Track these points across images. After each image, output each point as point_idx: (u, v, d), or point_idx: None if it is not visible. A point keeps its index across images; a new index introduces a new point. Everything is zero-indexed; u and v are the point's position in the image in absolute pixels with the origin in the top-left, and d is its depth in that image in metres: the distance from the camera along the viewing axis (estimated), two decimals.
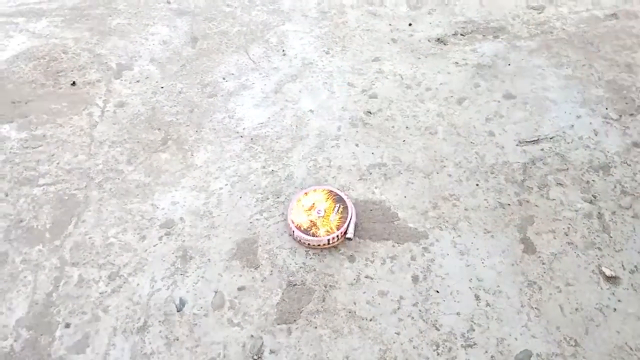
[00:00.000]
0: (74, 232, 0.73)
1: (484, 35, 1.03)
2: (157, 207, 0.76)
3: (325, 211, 0.73)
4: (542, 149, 0.84)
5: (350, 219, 0.72)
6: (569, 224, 0.74)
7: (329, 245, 0.71)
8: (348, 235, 0.71)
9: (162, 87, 0.92)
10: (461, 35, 1.04)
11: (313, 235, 0.70)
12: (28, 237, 0.73)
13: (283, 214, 0.76)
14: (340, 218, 0.72)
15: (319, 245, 0.71)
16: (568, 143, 0.85)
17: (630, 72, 0.98)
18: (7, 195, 0.77)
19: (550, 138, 0.86)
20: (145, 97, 0.90)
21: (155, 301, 0.67)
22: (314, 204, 0.74)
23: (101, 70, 0.94)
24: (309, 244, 0.71)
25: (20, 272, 0.70)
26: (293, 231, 0.71)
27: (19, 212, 0.75)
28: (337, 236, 0.70)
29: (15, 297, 0.67)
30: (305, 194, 0.75)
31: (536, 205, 0.76)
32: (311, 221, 0.72)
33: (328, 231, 0.71)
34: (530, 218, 0.74)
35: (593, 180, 0.79)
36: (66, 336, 0.64)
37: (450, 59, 0.98)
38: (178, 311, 0.66)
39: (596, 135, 0.87)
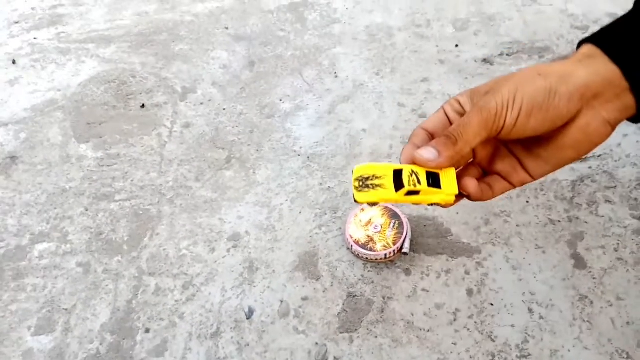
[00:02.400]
0: (149, 244, 0.79)
1: (529, 55, 1.06)
2: (225, 221, 0.82)
3: (381, 227, 0.77)
4: (590, 167, 0.86)
5: (406, 234, 0.76)
6: (618, 240, 0.76)
7: (386, 260, 0.75)
8: (404, 250, 0.75)
9: (224, 109, 0.98)
10: (507, 55, 1.07)
11: (371, 249, 0.75)
12: (108, 249, 0.79)
13: (340, 228, 0.80)
14: (396, 233, 0.76)
15: (376, 259, 0.75)
16: (615, 161, 0.87)
17: None
18: (87, 210, 0.84)
19: (598, 156, 0.88)
20: (209, 118, 0.97)
21: (226, 309, 0.72)
22: (370, 219, 0.78)
23: (167, 93, 1.01)
24: (366, 258, 0.75)
25: (102, 281, 0.76)
26: (351, 245, 0.76)
27: (98, 225, 0.82)
28: (394, 251, 0.75)
29: (99, 303, 0.74)
30: (362, 209, 0.80)
31: (586, 222, 0.78)
32: (368, 236, 0.76)
33: (385, 246, 0.75)
34: (580, 234, 0.77)
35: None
36: (146, 341, 0.70)
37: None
38: (247, 319, 0.71)
39: None
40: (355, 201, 0.44)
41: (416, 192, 0.43)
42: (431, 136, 0.47)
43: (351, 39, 1.12)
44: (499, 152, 0.48)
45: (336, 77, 1.04)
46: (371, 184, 0.44)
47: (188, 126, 0.95)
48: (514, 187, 0.48)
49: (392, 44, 1.11)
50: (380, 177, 0.44)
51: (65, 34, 1.15)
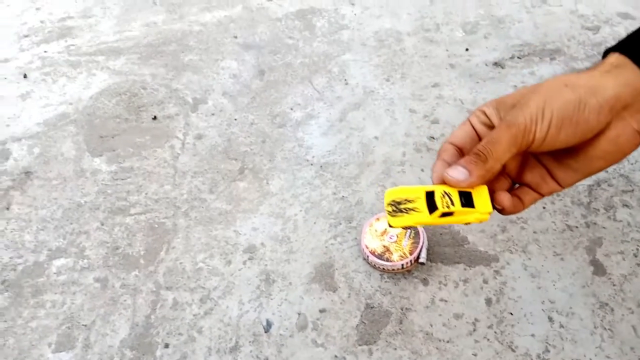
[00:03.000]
0: (166, 258, 0.80)
1: (540, 58, 1.06)
2: (240, 233, 0.82)
3: (397, 236, 0.77)
4: (606, 171, 0.85)
5: (423, 244, 0.76)
6: (638, 245, 0.76)
7: (403, 270, 0.75)
8: (421, 260, 0.75)
9: (235, 119, 0.98)
10: (518, 58, 1.06)
11: (387, 260, 0.75)
12: (124, 264, 0.80)
13: (356, 238, 0.80)
14: (412, 243, 0.76)
15: (393, 269, 0.75)
16: (632, 164, 0.87)
17: None
18: (102, 224, 0.84)
19: None
20: (221, 129, 0.97)
21: (244, 322, 0.72)
22: (386, 229, 0.78)
23: (178, 104, 1.01)
24: (383, 269, 0.75)
25: (120, 296, 0.76)
26: (367, 256, 0.76)
27: (114, 240, 0.82)
28: (411, 261, 0.74)
29: (118, 319, 0.74)
30: (377, 219, 0.80)
31: (603, 227, 0.78)
32: (384, 246, 0.76)
33: (401, 256, 0.75)
34: (598, 240, 0.76)
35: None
36: (166, 356, 0.70)
37: (508, 82, 1.01)
38: (266, 332, 0.71)
39: None
40: (390, 226, 0.44)
41: (450, 214, 0.43)
42: (460, 151, 0.47)
43: (360, 45, 1.12)
44: (528, 163, 0.48)
45: (346, 84, 1.04)
46: (404, 208, 0.44)
47: (200, 137, 0.96)
48: (543, 197, 0.48)
49: (402, 49, 1.10)
50: (412, 200, 0.44)
51: (75, 47, 1.15)
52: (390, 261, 0.74)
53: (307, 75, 1.06)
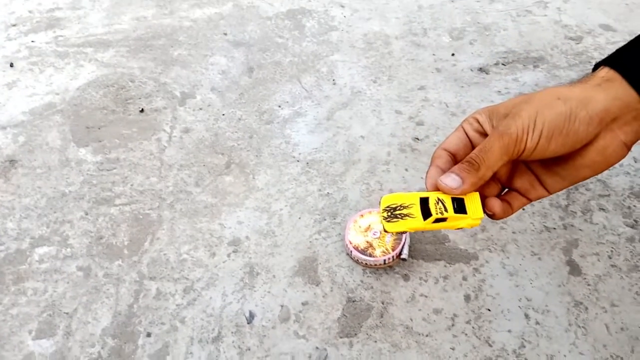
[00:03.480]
0: (150, 249, 0.80)
1: (524, 65, 1.08)
2: (225, 226, 0.82)
3: (380, 232, 0.78)
4: None
5: (405, 240, 0.77)
6: (612, 248, 0.78)
7: (385, 265, 0.76)
8: (403, 256, 0.76)
9: (223, 114, 0.99)
10: (502, 64, 1.09)
11: (370, 255, 0.76)
12: (108, 253, 0.80)
13: (340, 234, 0.81)
14: (395, 239, 0.77)
15: (375, 265, 0.76)
16: (609, 170, 0.89)
17: None
18: (87, 214, 0.84)
19: None
20: (208, 123, 0.97)
21: (227, 313, 0.73)
22: (369, 225, 0.79)
23: (166, 98, 1.02)
24: (366, 264, 0.76)
25: (103, 285, 0.76)
26: (351, 251, 0.77)
27: (98, 229, 0.82)
28: (393, 257, 0.76)
29: (100, 307, 0.74)
30: (361, 215, 0.81)
31: (580, 229, 0.80)
32: (367, 242, 0.77)
33: (384, 252, 0.76)
34: (575, 241, 0.79)
35: (634, 206, 0.83)
36: (148, 345, 0.70)
37: (492, 87, 1.04)
38: (248, 323, 0.72)
39: (636, 162, 0.91)
40: (385, 231, 0.46)
41: (443, 219, 0.45)
42: (453, 157, 0.48)
43: (349, 46, 1.14)
44: (518, 169, 0.49)
45: (334, 84, 1.06)
46: (399, 214, 0.45)
47: (187, 131, 0.96)
48: (530, 202, 0.49)
49: (389, 52, 1.12)
50: (407, 206, 0.46)
51: (63, 38, 1.15)
52: (373, 256, 0.75)
53: (295, 74, 1.07)
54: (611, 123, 0.42)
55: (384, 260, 0.75)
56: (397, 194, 0.47)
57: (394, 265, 0.77)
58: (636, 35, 0.47)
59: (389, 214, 0.46)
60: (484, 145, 0.44)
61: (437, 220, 0.45)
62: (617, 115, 0.42)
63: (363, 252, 0.76)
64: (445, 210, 0.45)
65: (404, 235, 0.77)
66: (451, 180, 0.45)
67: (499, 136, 0.43)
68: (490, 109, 0.47)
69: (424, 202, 0.46)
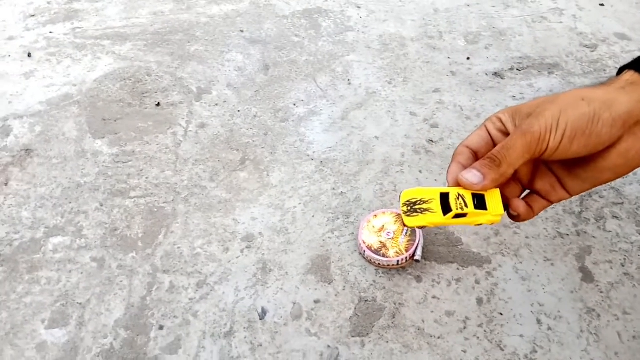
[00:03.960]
0: (164, 242, 0.80)
1: (539, 71, 1.08)
2: (238, 222, 0.83)
3: (394, 233, 0.78)
4: None
5: (419, 241, 0.77)
6: (625, 256, 0.78)
7: (398, 266, 0.77)
8: (416, 258, 0.76)
9: (238, 111, 0.99)
10: (517, 70, 1.09)
11: (383, 255, 0.76)
12: (122, 245, 0.80)
13: (353, 233, 0.82)
14: (408, 240, 0.77)
15: (388, 265, 0.76)
16: (623, 178, 0.89)
17: None
18: (102, 205, 0.85)
19: None
20: (224, 119, 0.98)
21: (239, 309, 0.73)
22: (383, 225, 0.80)
23: (183, 93, 1.02)
24: (379, 264, 0.77)
25: (117, 276, 0.77)
26: (364, 251, 0.77)
27: (113, 221, 0.83)
28: (406, 258, 0.76)
29: (113, 299, 0.74)
30: (375, 216, 0.81)
31: (593, 237, 0.80)
32: (381, 242, 0.78)
33: (397, 252, 0.76)
34: (588, 248, 0.79)
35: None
36: (160, 337, 0.71)
37: (507, 92, 1.04)
38: (260, 319, 0.72)
39: None
40: (405, 225, 0.46)
41: (463, 215, 0.45)
42: (474, 154, 0.49)
43: (364, 47, 1.14)
44: (539, 170, 0.49)
45: (349, 84, 1.06)
46: (419, 209, 0.45)
47: (203, 126, 0.96)
48: (551, 204, 0.49)
49: (405, 53, 1.12)
50: (427, 201, 0.46)
51: (81, 30, 1.16)
52: (386, 257, 0.76)
53: (311, 73, 1.08)
54: (634, 126, 0.43)
55: (397, 261, 0.76)
56: (417, 189, 0.47)
57: (407, 267, 0.77)
58: None
59: (409, 208, 0.46)
60: (506, 142, 0.44)
61: (457, 216, 0.45)
62: (639, 118, 0.42)
63: (376, 252, 0.76)
64: (466, 205, 0.45)
65: (417, 237, 0.77)
66: (472, 176, 0.45)
67: (522, 134, 0.43)
68: (513, 109, 0.48)
69: (444, 197, 0.46)
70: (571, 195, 0.49)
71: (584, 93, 0.43)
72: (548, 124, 0.42)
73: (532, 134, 0.42)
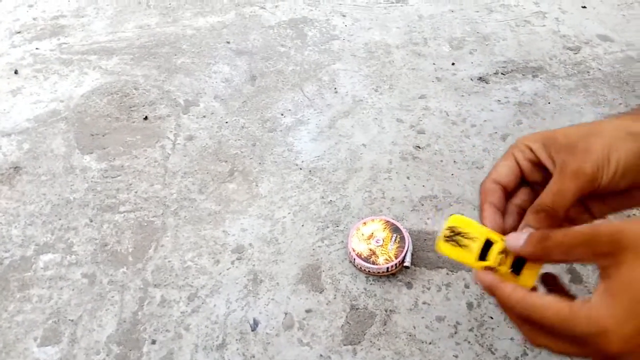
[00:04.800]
0: (154, 256, 0.80)
1: (523, 75, 1.10)
2: (228, 234, 0.83)
3: (383, 240, 0.79)
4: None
5: (407, 248, 0.78)
6: None
7: (388, 273, 0.77)
8: (406, 264, 0.77)
9: (226, 122, 1.00)
10: (502, 74, 1.10)
11: (373, 263, 0.77)
12: (113, 260, 0.80)
13: (343, 241, 0.82)
14: (397, 247, 0.78)
15: (378, 272, 0.77)
16: None
17: None
18: (91, 220, 0.85)
19: None
20: (212, 131, 0.98)
21: (231, 321, 0.73)
22: (372, 233, 0.80)
23: (170, 105, 1.03)
24: (368, 271, 0.77)
25: (108, 292, 0.77)
26: (354, 259, 0.78)
27: (103, 236, 0.83)
28: (396, 264, 0.76)
29: (105, 315, 0.74)
30: (364, 223, 0.82)
31: None
32: (370, 249, 0.78)
33: (387, 259, 0.77)
34: None
35: (633, 214, 0.84)
36: (153, 352, 0.71)
37: (492, 97, 1.05)
38: (252, 330, 0.72)
39: None
40: (437, 249, 0.44)
41: (493, 269, 0.42)
42: (505, 190, 0.45)
43: (350, 55, 1.15)
44: None
45: (336, 92, 1.07)
46: (459, 240, 0.43)
47: (191, 139, 0.97)
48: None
49: (390, 61, 1.13)
50: (471, 238, 0.43)
51: (67, 45, 1.16)
52: (376, 264, 0.76)
53: (298, 83, 1.08)
54: None
55: (387, 268, 0.76)
56: (469, 221, 0.44)
57: (397, 273, 0.78)
58: None
59: (451, 233, 0.44)
60: (557, 188, 0.41)
61: (488, 268, 0.42)
62: None
63: (366, 259, 0.77)
64: (503, 263, 0.42)
65: (406, 243, 0.78)
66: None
67: (574, 176, 0.40)
68: (544, 136, 0.44)
69: (488, 244, 0.43)
70: (595, 218, 0.47)
71: (629, 126, 0.41)
72: (600, 163, 0.40)
73: (585, 175, 0.40)
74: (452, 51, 1.16)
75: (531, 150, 0.44)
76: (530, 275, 0.42)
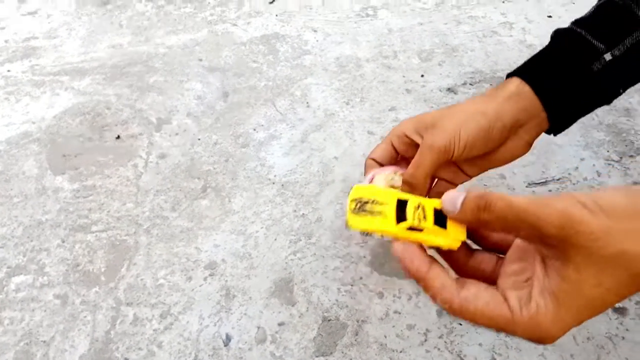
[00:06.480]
0: (126, 275, 0.81)
1: (491, 85, 1.12)
2: (201, 250, 0.83)
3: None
4: (550, 190, 0.91)
5: None
6: None
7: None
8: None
9: (199, 139, 1.01)
10: (470, 84, 1.13)
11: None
12: (85, 280, 0.80)
13: (315, 254, 0.83)
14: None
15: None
16: (574, 184, 0.92)
17: (628, 116, 1.06)
18: (63, 241, 0.85)
19: (557, 179, 0.93)
20: (185, 148, 0.99)
21: (204, 337, 0.74)
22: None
23: (142, 124, 1.03)
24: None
25: (80, 312, 0.77)
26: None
27: (75, 257, 0.83)
28: None
29: (77, 335, 0.74)
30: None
31: None
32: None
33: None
34: None
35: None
36: None
37: None
38: (225, 346, 0.73)
39: (599, 176, 0.94)
40: (348, 226, 0.38)
41: (419, 229, 0.37)
42: (380, 165, 0.55)
43: (322, 69, 1.17)
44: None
45: (308, 106, 1.08)
46: (369, 210, 0.37)
47: (163, 156, 0.97)
48: (456, 186, 0.56)
49: (361, 74, 1.15)
50: (381, 203, 0.38)
51: (39, 67, 1.16)
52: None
53: (270, 98, 1.10)
54: (519, 129, 0.51)
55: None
56: (372, 186, 0.43)
57: (368, 283, 0.79)
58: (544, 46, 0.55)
59: (357, 205, 0.38)
60: (416, 160, 0.50)
61: (411, 229, 0.37)
62: (523, 122, 0.51)
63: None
64: (425, 218, 0.37)
65: None
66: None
67: (429, 149, 0.49)
68: (416, 120, 0.52)
69: (402, 204, 0.38)
70: (471, 177, 0.56)
71: (479, 107, 0.50)
72: (451, 138, 0.49)
73: (437, 148, 0.49)
74: (421, 63, 1.18)
75: (406, 135, 0.52)
76: (458, 228, 0.38)
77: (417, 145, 0.51)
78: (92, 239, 0.85)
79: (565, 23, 0.56)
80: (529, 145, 0.53)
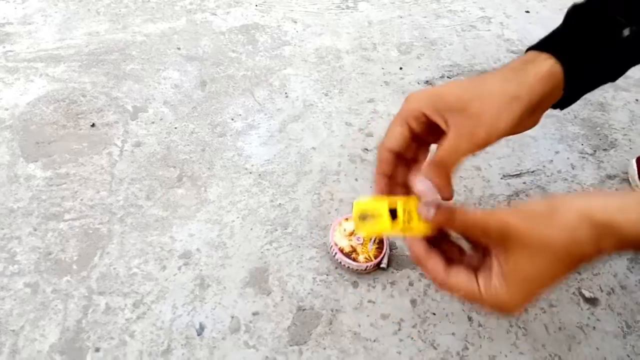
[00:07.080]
0: (99, 264, 0.79)
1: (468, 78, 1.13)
2: (175, 239, 0.83)
3: (363, 239, 0.79)
4: (524, 182, 0.92)
5: (386, 250, 0.79)
6: None
7: (364, 272, 0.78)
8: (382, 265, 0.78)
9: (175, 128, 0.99)
10: (447, 77, 1.13)
11: (354, 260, 0.77)
12: (57, 269, 0.79)
13: (291, 244, 0.83)
14: (377, 248, 0.79)
15: (357, 270, 0.77)
16: (548, 176, 0.94)
17: (602, 111, 1.08)
18: (35, 229, 0.83)
19: (532, 172, 0.94)
20: (161, 137, 0.98)
21: (177, 326, 0.73)
22: (354, 230, 0.81)
23: (118, 112, 1.02)
24: (348, 267, 0.77)
25: (51, 301, 0.75)
26: (335, 253, 0.78)
27: (47, 245, 0.82)
28: (374, 265, 0.77)
29: (48, 324, 0.73)
30: (346, 219, 0.82)
31: None
32: (352, 246, 0.79)
33: (366, 258, 0.77)
34: None
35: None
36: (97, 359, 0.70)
37: None
38: (198, 335, 0.72)
39: (573, 169, 0.95)
40: (358, 232, 0.50)
41: (408, 226, 0.48)
42: (398, 155, 0.50)
43: (301, 60, 1.16)
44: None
45: (287, 97, 1.08)
46: (370, 218, 0.48)
47: (139, 145, 0.96)
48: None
49: (340, 66, 1.15)
50: (378, 213, 0.48)
51: (13, 53, 1.14)
52: (357, 261, 0.77)
53: (248, 88, 1.09)
54: (538, 108, 0.49)
55: (366, 267, 0.77)
56: (369, 202, 0.49)
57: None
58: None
59: (362, 218, 0.49)
60: (452, 146, 0.46)
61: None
62: (548, 103, 0.50)
63: (347, 255, 0.77)
64: (411, 218, 0.47)
65: (385, 245, 0.79)
66: (428, 190, 0.49)
67: (468, 138, 0.46)
68: (433, 99, 0.47)
69: (393, 211, 0.48)
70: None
71: (511, 89, 0.46)
72: (491, 129, 0.45)
73: (478, 139, 0.45)
74: (400, 56, 1.18)
75: (425, 114, 0.47)
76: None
77: (432, 125, 0.48)
78: (65, 227, 0.84)
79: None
80: (538, 121, 0.51)
